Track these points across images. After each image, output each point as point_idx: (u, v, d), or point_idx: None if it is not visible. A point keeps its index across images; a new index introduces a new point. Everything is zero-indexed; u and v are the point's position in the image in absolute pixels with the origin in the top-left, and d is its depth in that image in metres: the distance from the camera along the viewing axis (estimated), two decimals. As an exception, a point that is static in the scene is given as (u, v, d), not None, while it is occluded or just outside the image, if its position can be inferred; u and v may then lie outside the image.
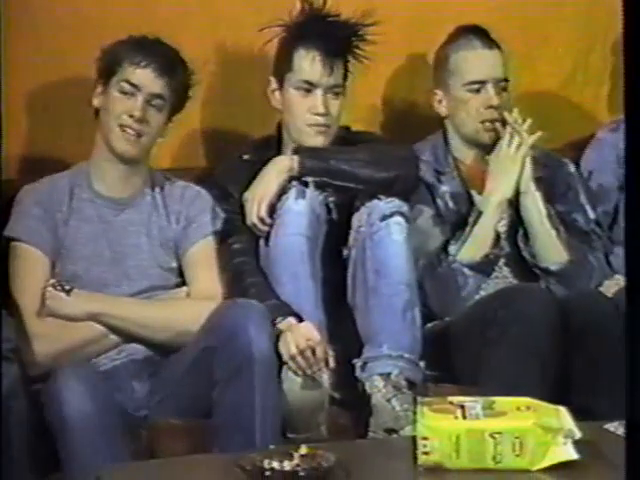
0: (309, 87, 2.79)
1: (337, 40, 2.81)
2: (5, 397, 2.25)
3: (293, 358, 2.55)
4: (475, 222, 2.90)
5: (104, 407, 2.34)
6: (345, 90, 2.83)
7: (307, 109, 2.79)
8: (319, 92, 2.79)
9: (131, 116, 2.62)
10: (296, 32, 2.82)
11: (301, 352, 2.54)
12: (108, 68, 2.67)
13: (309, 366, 2.55)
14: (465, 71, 2.93)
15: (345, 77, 2.84)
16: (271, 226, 2.73)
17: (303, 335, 2.57)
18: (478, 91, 2.93)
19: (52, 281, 2.58)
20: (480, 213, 2.90)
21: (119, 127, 2.63)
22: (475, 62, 2.93)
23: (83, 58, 2.75)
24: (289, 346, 2.56)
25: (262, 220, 2.73)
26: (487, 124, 2.94)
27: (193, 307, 2.63)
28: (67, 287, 2.57)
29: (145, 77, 2.63)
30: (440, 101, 2.99)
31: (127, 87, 2.63)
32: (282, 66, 2.83)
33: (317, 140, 2.80)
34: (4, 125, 2.32)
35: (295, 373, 2.56)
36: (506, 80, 2.94)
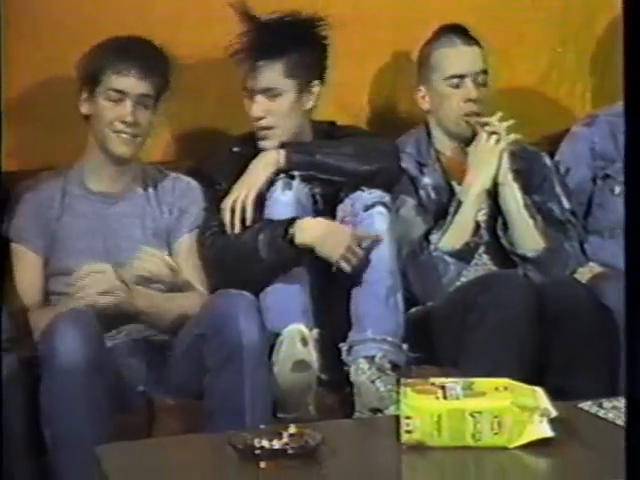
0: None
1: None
2: (5, 386, 2.24)
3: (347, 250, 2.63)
4: (456, 212, 2.90)
5: (96, 354, 2.32)
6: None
7: None
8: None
9: (123, 122, 2.60)
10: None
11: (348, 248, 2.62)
12: (91, 77, 2.64)
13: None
14: (445, 66, 2.94)
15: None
16: (255, 220, 2.72)
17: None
18: (458, 86, 2.93)
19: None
20: (460, 203, 2.91)
21: (113, 132, 2.62)
22: (454, 58, 2.94)
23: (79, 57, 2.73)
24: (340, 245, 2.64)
25: (244, 209, 2.71)
26: (467, 117, 2.94)
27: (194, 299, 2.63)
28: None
29: (130, 82, 2.61)
30: (423, 97, 3.00)
31: (114, 95, 2.61)
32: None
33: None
34: (4, 123, 2.30)
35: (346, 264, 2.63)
36: (485, 72, 2.94)
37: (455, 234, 2.89)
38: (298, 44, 2.80)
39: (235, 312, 2.43)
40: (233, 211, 2.72)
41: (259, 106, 2.79)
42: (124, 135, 2.62)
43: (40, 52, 2.88)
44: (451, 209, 2.91)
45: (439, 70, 2.95)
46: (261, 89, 2.79)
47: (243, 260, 2.68)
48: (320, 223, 2.67)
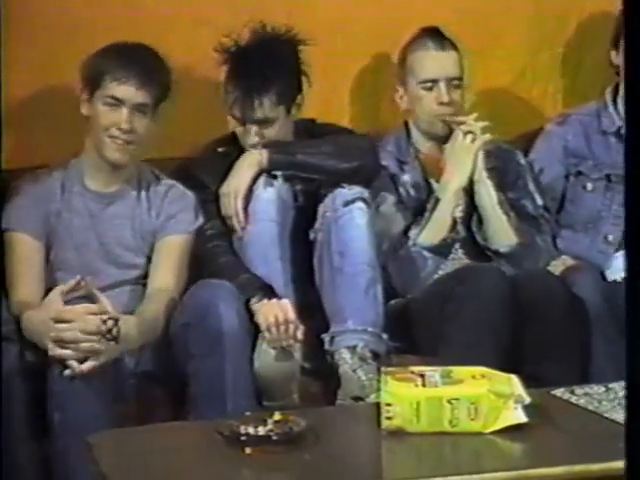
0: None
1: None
2: (7, 375, 2.24)
3: (269, 329, 2.56)
4: (434, 208, 2.91)
5: None
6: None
7: None
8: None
9: (119, 128, 2.58)
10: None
11: (277, 324, 2.55)
12: (91, 81, 2.61)
13: (283, 339, 2.56)
14: (419, 70, 2.94)
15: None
16: (245, 217, 2.74)
17: (281, 309, 2.57)
18: (431, 89, 2.93)
19: (102, 328, 2.38)
20: (438, 200, 2.91)
21: (109, 138, 2.60)
22: (427, 62, 2.93)
23: (74, 59, 2.70)
24: (267, 316, 2.56)
25: (237, 214, 2.73)
26: (440, 118, 2.93)
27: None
28: (114, 332, 2.39)
29: (128, 91, 2.57)
30: (401, 97, 3.00)
31: (111, 101, 2.58)
32: None
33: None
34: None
35: (269, 344, 2.57)
36: (460, 79, 2.94)
37: (433, 230, 2.90)
38: (282, 69, 2.81)
39: (215, 300, 2.44)
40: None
41: (254, 135, 2.80)
42: (119, 141, 2.59)
43: (35, 54, 2.87)
44: (429, 206, 2.92)
45: (414, 73, 2.94)
46: (254, 120, 2.79)
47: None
48: (287, 307, 2.60)
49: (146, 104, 2.59)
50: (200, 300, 2.48)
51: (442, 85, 2.91)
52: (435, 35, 2.92)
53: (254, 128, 2.80)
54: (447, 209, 2.90)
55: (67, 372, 2.33)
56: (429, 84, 2.92)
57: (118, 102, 2.58)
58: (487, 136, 2.90)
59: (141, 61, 2.60)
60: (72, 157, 2.71)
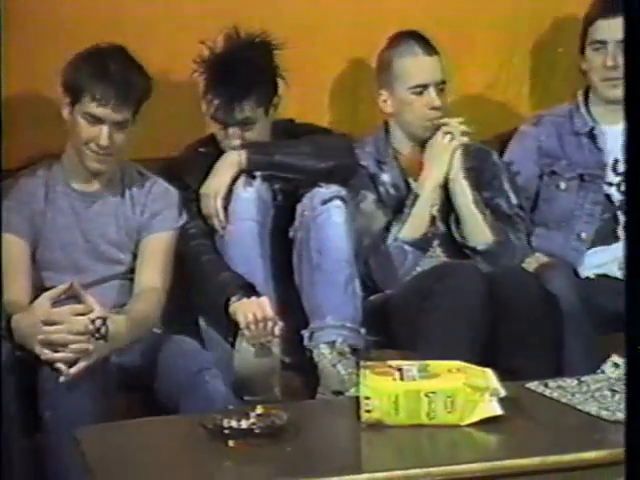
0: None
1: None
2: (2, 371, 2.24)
3: (248, 326, 2.56)
4: (413, 204, 2.91)
5: None
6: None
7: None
8: None
9: (98, 144, 2.54)
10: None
11: (256, 321, 2.55)
12: (70, 92, 2.56)
13: (261, 335, 2.56)
14: (409, 76, 2.92)
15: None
16: (225, 216, 2.75)
17: (260, 307, 2.57)
18: (421, 93, 2.92)
19: (90, 328, 2.36)
20: (417, 196, 2.92)
21: (88, 150, 2.57)
22: (418, 68, 2.92)
23: (56, 63, 2.67)
24: (246, 314, 2.56)
25: (218, 214, 2.74)
26: (431, 122, 2.93)
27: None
28: (103, 331, 2.37)
29: (107, 112, 2.52)
30: (385, 101, 2.98)
31: (90, 119, 2.54)
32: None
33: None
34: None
35: (249, 342, 2.57)
36: (444, 82, 2.94)
37: (414, 225, 2.91)
38: (259, 73, 2.81)
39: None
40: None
41: (235, 138, 2.80)
42: (98, 155, 2.57)
43: (22, 58, 2.85)
44: (408, 202, 2.93)
45: (402, 79, 2.93)
46: (235, 122, 2.79)
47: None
48: (266, 305, 2.60)
49: (126, 120, 2.56)
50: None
51: (432, 90, 2.91)
52: (420, 40, 2.92)
53: (235, 131, 2.80)
54: (426, 205, 2.91)
55: (61, 379, 2.31)
56: (419, 89, 2.92)
57: (97, 120, 2.53)
58: (465, 137, 2.91)
59: (119, 77, 2.52)
60: (55, 157, 2.69)
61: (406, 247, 2.90)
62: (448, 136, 2.91)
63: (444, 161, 2.92)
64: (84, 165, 2.61)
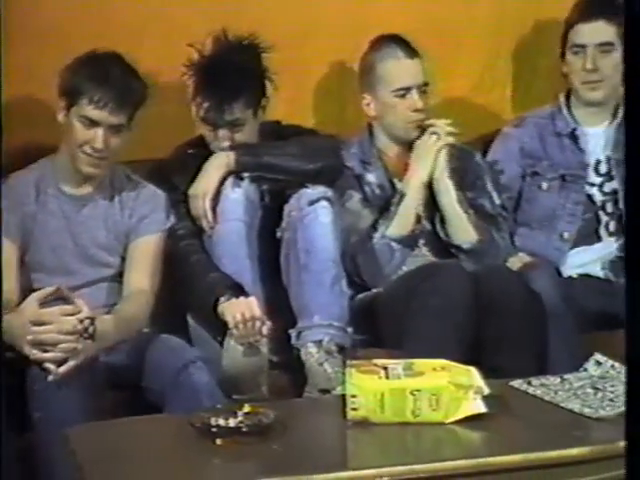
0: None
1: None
2: None
3: (236, 326, 2.56)
4: (399, 203, 2.92)
5: None
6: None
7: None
8: None
9: (93, 147, 2.54)
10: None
11: (244, 321, 2.56)
12: (67, 95, 2.56)
13: (250, 335, 2.56)
14: (392, 79, 2.93)
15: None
16: (214, 217, 2.75)
17: (248, 307, 2.58)
18: (403, 96, 2.93)
19: (78, 328, 2.37)
20: (403, 195, 2.93)
21: (82, 154, 2.56)
22: (400, 71, 2.93)
23: (48, 66, 2.67)
24: (235, 314, 2.57)
25: (206, 214, 2.74)
26: (414, 124, 2.94)
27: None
28: (91, 330, 2.37)
29: (103, 115, 2.52)
30: (368, 104, 2.99)
31: (87, 122, 2.53)
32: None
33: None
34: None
35: (237, 341, 2.57)
36: (426, 84, 2.95)
37: (401, 222, 2.92)
38: (247, 76, 2.81)
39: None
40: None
41: (225, 139, 2.81)
42: (92, 158, 2.56)
43: (11, 61, 2.84)
44: (394, 201, 2.93)
45: (385, 82, 2.93)
46: (225, 124, 2.79)
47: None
48: (254, 305, 2.61)
49: (121, 124, 2.56)
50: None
51: (415, 92, 2.92)
52: (401, 43, 2.92)
53: (225, 132, 2.81)
54: (411, 204, 2.92)
55: (50, 378, 2.31)
56: (402, 92, 2.93)
57: (93, 123, 2.53)
58: (450, 138, 2.92)
59: (117, 81, 2.53)
60: (47, 160, 2.68)
61: (393, 244, 2.91)
62: (434, 136, 2.92)
63: (429, 160, 2.92)
64: (77, 169, 2.60)
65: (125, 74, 2.56)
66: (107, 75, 2.53)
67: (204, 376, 2.41)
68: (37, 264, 2.59)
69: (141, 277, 2.62)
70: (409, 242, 2.93)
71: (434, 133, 2.92)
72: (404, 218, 2.92)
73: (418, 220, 2.94)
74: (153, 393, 2.44)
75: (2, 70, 2.33)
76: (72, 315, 2.36)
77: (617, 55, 3.05)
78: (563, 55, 3.09)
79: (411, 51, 2.92)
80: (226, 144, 2.80)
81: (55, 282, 2.50)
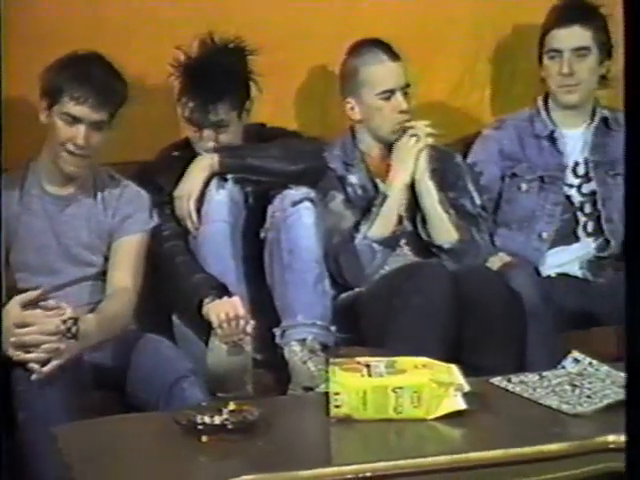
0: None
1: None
2: None
3: (221, 325, 2.56)
4: (381, 204, 2.92)
5: None
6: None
7: None
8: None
9: (75, 144, 2.53)
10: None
11: (228, 320, 2.56)
12: (49, 94, 2.56)
13: (233, 334, 2.56)
14: (376, 82, 2.93)
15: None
16: (199, 218, 2.75)
17: (232, 306, 2.58)
18: (388, 98, 2.93)
19: (61, 328, 2.35)
20: (386, 196, 2.93)
21: (65, 152, 2.56)
22: (384, 74, 2.93)
23: (34, 68, 2.65)
24: (219, 314, 2.57)
25: (191, 215, 2.74)
26: (399, 125, 2.94)
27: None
28: (74, 330, 2.36)
29: (84, 111, 2.52)
30: (352, 108, 2.98)
31: (68, 119, 2.53)
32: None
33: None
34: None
35: (221, 340, 2.57)
36: (408, 86, 2.96)
37: (382, 224, 2.92)
38: (233, 78, 2.82)
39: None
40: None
41: (209, 140, 2.81)
42: (75, 156, 2.55)
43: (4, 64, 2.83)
44: (377, 202, 2.94)
45: (370, 85, 2.93)
46: (209, 124, 2.80)
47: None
48: (238, 304, 2.60)
49: (103, 121, 2.55)
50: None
51: (399, 94, 2.92)
52: (383, 47, 2.93)
53: (210, 133, 2.81)
54: (394, 205, 2.92)
55: (34, 377, 2.30)
56: (387, 94, 2.93)
57: (75, 119, 2.53)
58: (430, 139, 2.92)
59: (98, 79, 2.53)
60: (30, 161, 2.67)
61: (375, 245, 2.91)
62: (414, 138, 2.92)
63: (410, 162, 2.93)
64: (59, 168, 2.59)
65: (106, 72, 2.56)
66: (88, 73, 2.54)
67: (197, 392, 2.41)
68: (21, 264, 2.58)
69: (124, 276, 2.62)
70: (391, 243, 2.93)
71: (414, 135, 2.92)
72: (386, 219, 2.92)
73: (400, 221, 2.94)
74: (140, 401, 2.43)
75: (2, 70, 2.32)
76: (55, 315, 2.35)
77: (592, 59, 3.07)
78: (540, 59, 3.10)
79: (393, 54, 2.93)
80: (211, 144, 2.81)
81: (39, 281, 2.52)
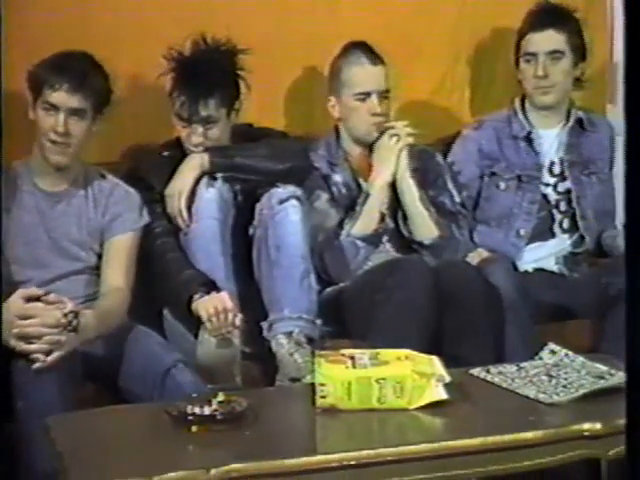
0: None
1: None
2: None
3: (210, 319, 2.57)
4: (364, 203, 2.93)
5: None
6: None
7: None
8: None
9: (55, 132, 2.54)
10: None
11: (217, 314, 2.56)
12: (33, 89, 2.58)
13: (222, 327, 2.57)
14: (354, 84, 2.94)
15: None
16: (189, 216, 2.75)
17: (220, 300, 2.58)
18: (364, 100, 2.94)
19: (62, 321, 2.35)
20: (368, 195, 2.94)
21: (48, 141, 2.56)
22: (362, 76, 2.93)
23: (24, 67, 2.64)
24: (208, 308, 2.57)
25: (182, 213, 2.74)
26: (375, 127, 2.95)
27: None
28: (74, 323, 2.36)
29: (61, 97, 2.53)
30: (333, 106, 3.00)
31: (48, 107, 2.55)
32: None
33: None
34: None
35: (210, 334, 2.57)
36: (388, 91, 2.96)
37: (365, 222, 2.92)
38: (223, 76, 2.82)
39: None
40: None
41: (198, 135, 2.81)
42: (57, 145, 2.55)
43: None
44: (360, 200, 2.94)
45: (348, 86, 2.94)
46: (199, 119, 2.80)
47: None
48: (226, 299, 2.61)
49: (82, 109, 2.55)
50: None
51: (374, 97, 2.93)
52: (367, 50, 2.93)
53: (199, 128, 2.81)
54: (376, 203, 2.93)
55: (36, 366, 2.30)
56: (362, 96, 2.93)
57: (54, 107, 2.54)
58: (410, 139, 2.93)
59: (73, 67, 2.56)
60: (21, 158, 2.67)
61: (358, 242, 2.91)
62: (395, 138, 2.93)
63: (391, 161, 2.93)
64: (46, 159, 2.59)
65: (84, 62, 2.58)
66: (66, 63, 2.56)
67: (187, 375, 2.42)
68: (13, 257, 2.57)
69: (117, 275, 2.62)
70: (373, 239, 2.94)
71: (395, 135, 2.93)
72: (369, 217, 2.93)
73: (382, 219, 2.95)
74: (132, 395, 2.43)
75: (2, 71, 2.32)
76: (56, 309, 2.35)
77: (566, 62, 3.08)
78: (517, 63, 3.12)
79: (375, 58, 2.93)
80: (200, 140, 2.80)
81: (29, 274, 2.53)
